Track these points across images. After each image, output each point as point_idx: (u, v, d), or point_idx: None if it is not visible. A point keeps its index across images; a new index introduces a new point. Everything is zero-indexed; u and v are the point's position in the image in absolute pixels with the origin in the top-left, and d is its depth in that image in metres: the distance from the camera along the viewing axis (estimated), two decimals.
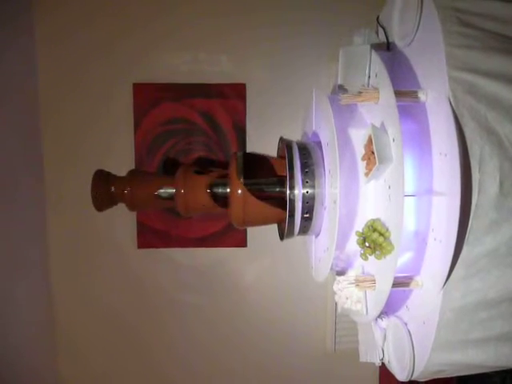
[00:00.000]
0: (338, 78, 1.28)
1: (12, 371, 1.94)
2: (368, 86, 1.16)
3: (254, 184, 1.28)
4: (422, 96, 1.10)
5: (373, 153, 1.06)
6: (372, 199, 1.15)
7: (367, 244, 1.11)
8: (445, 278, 1.03)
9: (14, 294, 2.00)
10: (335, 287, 1.21)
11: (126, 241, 2.35)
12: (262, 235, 2.27)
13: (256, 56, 2.29)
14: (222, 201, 1.31)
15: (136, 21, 2.24)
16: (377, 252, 1.09)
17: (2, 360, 1.87)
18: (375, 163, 1.05)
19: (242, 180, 1.26)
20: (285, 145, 1.30)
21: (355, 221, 1.18)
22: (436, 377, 1.24)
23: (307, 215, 1.25)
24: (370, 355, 1.42)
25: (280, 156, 1.38)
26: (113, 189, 1.30)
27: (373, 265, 1.15)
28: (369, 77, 1.17)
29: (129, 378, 2.46)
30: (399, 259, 1.07)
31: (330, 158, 1.17)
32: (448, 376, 1.25)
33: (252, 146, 2.29)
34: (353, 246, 1.17)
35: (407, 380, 1.24)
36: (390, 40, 1.31)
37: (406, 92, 1.11)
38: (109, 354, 2.44)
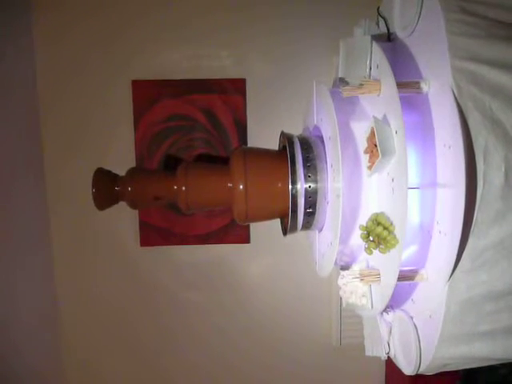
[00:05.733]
0: (339, 71, 1.26)
1: (15, 370, 1.94)
2: (369, 77, 1.15)
3: (256, 179, 1.26)
4: (424, 87, 1.09)
5: (375, 146, 1.04)
6: (375, 192, 1.14)
7: (371, 238, 1.10)
8: (450, 270, 1.02)
9: (17, 294, 2.00)
10: (339, 282, 1.20)
11: (129, 239, 2.34)
12: (266, 231, 2.27)
13: (256, 50, 2.28)
14: (224, 197, 1.30)
15: (134, 17, 2.23)
16: (381, 246, 1.07)
17: (5, 358, 1.87)
18: (378, 156, 1.03)
19: (243, 175, 1.25)
20: (286, 139, 1.28)
21: (359, 215, 1.17)
22: (443, 370, 1.23)
23: (310, 210, 1.24)
24: (376, 349, 1.42)
25: (281, 150, 1.37)
26: (114, 187, 1.29)
27: (377, 259, 1.14)
28: (370, 68, 1.15)
29: (131, 375, 2.47)
30: (404, 252, 1.06)
31: (332, 152, 1.15)
32: (455, 369, 1.24)
33: (253, 141, 2.28)
34: (357, 240, 1.16)
35: (414, 374, 1.23)
36: (391, 30, 1.29)
37: (408, 83, 1.09)
38: (112, 352, 2.44)
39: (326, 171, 1.21)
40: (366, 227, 1.11)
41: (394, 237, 1.04)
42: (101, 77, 2.25)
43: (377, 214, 1.10)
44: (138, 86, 2.23)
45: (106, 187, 1.28)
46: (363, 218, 1.14)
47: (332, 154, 1.15)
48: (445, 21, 1.03)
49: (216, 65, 2.28)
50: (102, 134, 2.27)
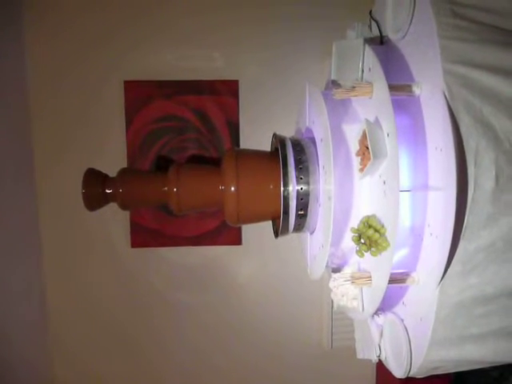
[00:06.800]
0: (332, 73, 1.26)
1: (5, 371, 1.92)
2: (362, 80, 1.15)
3: (247, 181, 1.26)
4: (416, 90, 1.09)
5: (367, 148, 1.04)
6: (367, 195, 1.14)
7: (363, 241, 1.10)
8: (441, 273, 1.02)
9: (7, 294, 1.98)
10: (331, 284, 1.20)
11: (120, 240, 2.33)
12: (257, 233, 2.26)
13: (248, 52, 2.28)
14: (216, 199, 1.30)
15: (127, 17, 2.22)
16: (372, 249, 1.07)
17: None
18: (370, 158, 1.03)
19: (235, 177, 1.25)
20: (278, 141, 1.28)
21: (350, 217, 1.17)
22: (434, 373, 1.23)
23: (302, 212, 1.24)
24: (367, 352, 1.41)
25: (274, 152, 1.37)
26: (104, 188, 1.28)
27: (369, 261, 1.14)
28: (362, 71, 1.15)
29: (121, 376, 2.45)
30: (395, 255, 1.06)
31: (324, 154, 1.15)
32: (446, 372, 1.24)
33: (245, 143, 2.28)
34: (348, 242, 1.16)
35: (404, 377, 1.23)
36: (384, 34, 1.30)
37: (400, 86, 1.09)
38: (102, 353, 2.43)
39: (318, 173, 1.21)
40: (358, 230, 1.11)
41: (386, 239, 1.04)
42: (93, 77, 2.23)
43: (368, 217, 1.10)
44: (130, 86, 2.22)
45: (97, 188, 1.27)
46: (355, 221, 1.14)
47: (324, 156, 1.15)
48: (437, 25, 1.04)
49: (209, 66, 2.28)
50: (94, 135, 2.26)
